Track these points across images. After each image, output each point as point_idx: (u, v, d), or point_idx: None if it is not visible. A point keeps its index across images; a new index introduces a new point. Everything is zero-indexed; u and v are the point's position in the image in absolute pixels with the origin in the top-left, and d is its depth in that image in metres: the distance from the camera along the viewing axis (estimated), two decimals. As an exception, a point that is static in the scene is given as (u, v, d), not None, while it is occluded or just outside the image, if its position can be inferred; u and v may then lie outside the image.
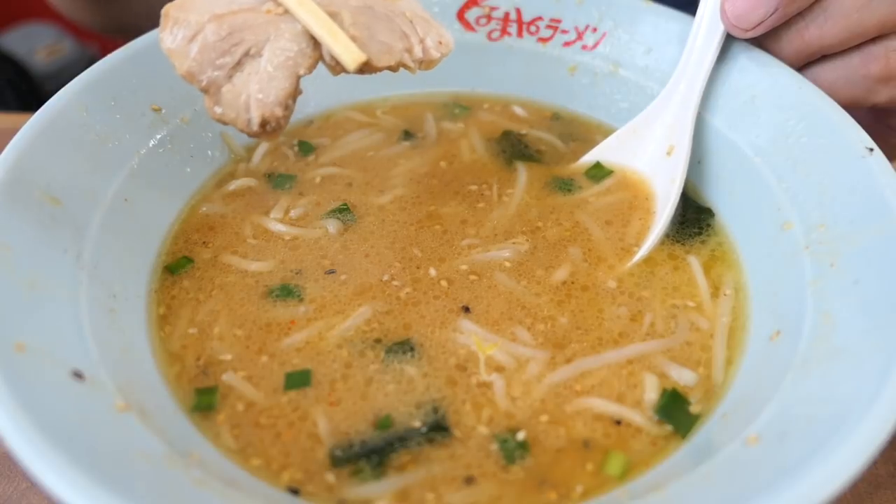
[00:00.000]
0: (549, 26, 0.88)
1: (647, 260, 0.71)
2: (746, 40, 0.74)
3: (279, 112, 0.55)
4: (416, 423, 0.58)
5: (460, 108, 0.91)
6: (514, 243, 0.72)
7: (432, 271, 0.69)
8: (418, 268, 0.69)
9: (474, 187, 0.79)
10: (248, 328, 0.64)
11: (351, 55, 0.55)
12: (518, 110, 0.91)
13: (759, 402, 0.54)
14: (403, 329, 0.64)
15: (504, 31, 0.89)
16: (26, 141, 0.60)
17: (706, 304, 0.67)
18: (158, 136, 0.73)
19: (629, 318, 0.66)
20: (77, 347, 0.54)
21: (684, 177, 0.75)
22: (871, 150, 0.62)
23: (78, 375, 0.51)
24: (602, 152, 0.82)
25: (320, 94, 0.87)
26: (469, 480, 0.55)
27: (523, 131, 0.87)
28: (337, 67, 0.56)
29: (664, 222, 0.73)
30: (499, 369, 0.61)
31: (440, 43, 0.61)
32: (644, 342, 0.64)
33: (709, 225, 0.75)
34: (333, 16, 0.56)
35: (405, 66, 0.59)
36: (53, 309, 0.55)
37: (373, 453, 0.56)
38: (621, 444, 0.57)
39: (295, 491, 0.54)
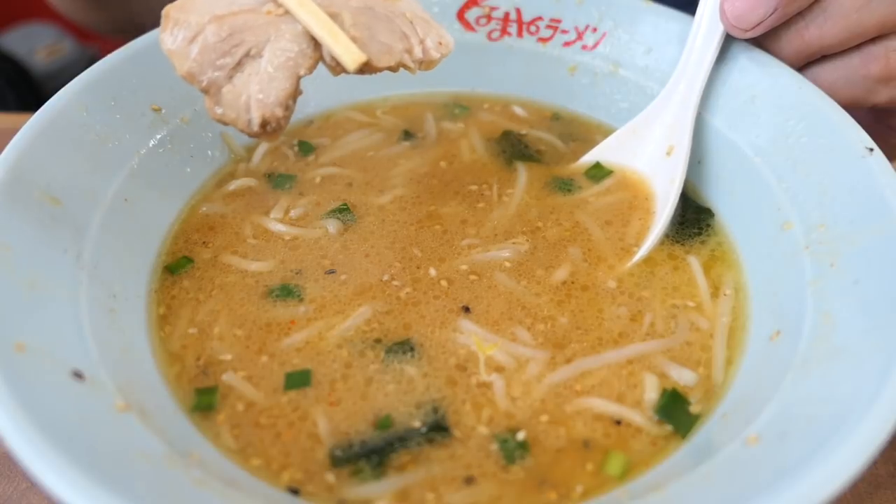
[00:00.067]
0: (549, 26, 0.88)
1: (647, 260, 0.71)
2: (746, 40, 0.74)
3: (279, 112, 0.55)
4: (416, 423, 0.58)
5: (460, 108, 0.91)
6: (514, 243, 0.72)
7: (432, 271, 0.69)
8: (418, 268, 0.69)
9: (474, 187, 0.79)
10: (248, 328, 0.64)
11: (351, 56, 0.55)
12: (518, 110, 0.91)
13: (759, 402, 0.54)
14: (403, 329, 0.64)
15: (504, 31, 0.89)
16: (26, 141, 0.60)
17: (706, 304, 0.67)
18: (158, 136, 0.73)
19: (629, 318, 0.66)
20: (77, 347, 0.54)
21: (684, 177, 0.75)
22: (871, 150, 0.62)
23: (78, 375, 0.51)
24: (602, 152, 0.82)
25: (320, 95, 0.87)
26: (469, 480, 0.55)
27: (523, 131, 0.87)
28: (337, 68, 0.57)
29: (664, 222, 0.73)
30: (499, 369, 0.61)
31: (440, 44, 0.61)
32: (644, 342, 0.64)
33: (709, 225, 0.75)
34: (334, 16, 0.56)
35: (405, 67, 0.59)
36: (53, 309, 0.55)
37: (373, 453, 0.56)
38: (621, 444, 0.57)
39: (295, 491, 0.54)
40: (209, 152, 0.79)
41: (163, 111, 0.74)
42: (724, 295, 0.68)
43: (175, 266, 0.69)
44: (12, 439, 0.43)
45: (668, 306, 0.67)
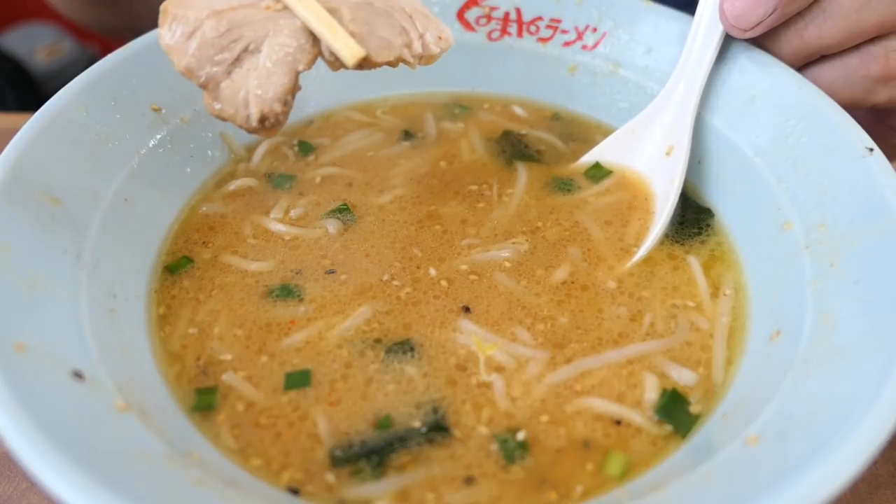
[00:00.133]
0: (549, 26, 0.88)
1: (647, 260, 0.71)
2: (746, 40, 0.74)
3: (278, 108, 0.55)
4: (416, 423, 0.58)
5: (460, 108, 0.91)
6: (514, 243, 0.72)
7: (432, 271, 0.69)
8: (418, 268, 0.69)
9: (474, 187, 0.79)
10: (248, 328, 0.64)
11: (350, 51, 0.54)
12: (518, 110, 0.91)
13: (759, 402, 0.54)
14: (403, 329, 0.64)
15: (504, 31, 0.89)
16: (26, 141, 0.60)
17: (706, 304, 0.67)
18: (158, 136, 0.73)
19: (629, 318, 0.66)
20: (77, 347, 0.54)
21: (683, 177, 0.75)
22: (871, 150, 0.62)
23: (78, 375, 0.51)
24: (601, 152, 0.82)
25: (320, 94, 0.87)
26: (469, 480, 0.55)
27: (523, 131, 0.87)
28: (336, 63, 0.56)
29: (663, 222, 0.73)
30: (499, 369, 0.61)
31: (440, 38, 0.61)
32: (644, 342, 0.64)
33: (708, 225, 0.75)
34: (333, 12, 0.56)
35: (404, 62, 0.59)
36: (53, 309, 0.55)
37: (373, 453, 0.56)
38: (621, 444, 0.57)
39: (295, 491, 0.54)
40: (209, 152, 0.79)
41: (163, 111, 0.74)
42: (724, 295, 0.68)
43: (175, 266, 0.69)
44: (12, 439, 0.43)
45: (668, 306, 0.67)
